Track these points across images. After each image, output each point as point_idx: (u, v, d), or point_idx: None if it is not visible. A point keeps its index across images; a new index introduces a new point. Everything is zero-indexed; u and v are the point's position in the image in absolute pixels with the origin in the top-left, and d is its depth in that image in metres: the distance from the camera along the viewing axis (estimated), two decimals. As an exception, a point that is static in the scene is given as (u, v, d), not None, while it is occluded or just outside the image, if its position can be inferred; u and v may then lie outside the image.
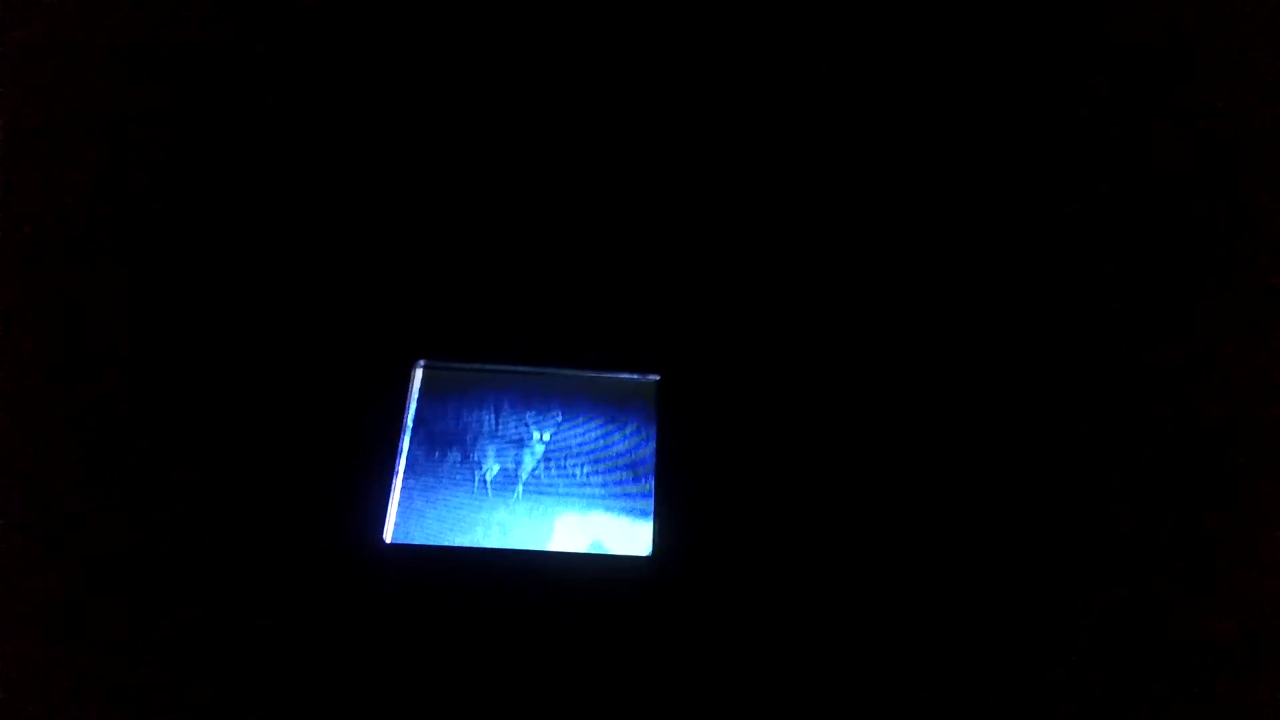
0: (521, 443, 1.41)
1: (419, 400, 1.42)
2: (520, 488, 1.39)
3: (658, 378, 1.46)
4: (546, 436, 1.42)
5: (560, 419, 1.43)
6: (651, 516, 1.37)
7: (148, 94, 1.56)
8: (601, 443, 1.42)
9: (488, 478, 1.39)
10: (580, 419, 1.44)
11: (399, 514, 1.35)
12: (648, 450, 1.42)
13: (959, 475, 1.41)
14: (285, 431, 1.37)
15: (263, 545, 1.30)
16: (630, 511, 1.38)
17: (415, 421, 1.41)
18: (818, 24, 1.69)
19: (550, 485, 1.39)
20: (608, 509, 1.38)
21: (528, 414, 1.43)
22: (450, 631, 1.28)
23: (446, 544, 1.34)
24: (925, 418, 1.45)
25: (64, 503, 1.30)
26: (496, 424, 1.42)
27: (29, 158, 1.50)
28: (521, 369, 1.46)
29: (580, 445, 1.42)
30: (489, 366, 1.46)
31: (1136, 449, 1.42)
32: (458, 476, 1.39)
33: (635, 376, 1.47)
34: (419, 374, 1.44)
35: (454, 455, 1.40)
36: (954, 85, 1.66)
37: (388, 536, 1.34)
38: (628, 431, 1.43)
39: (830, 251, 1.55)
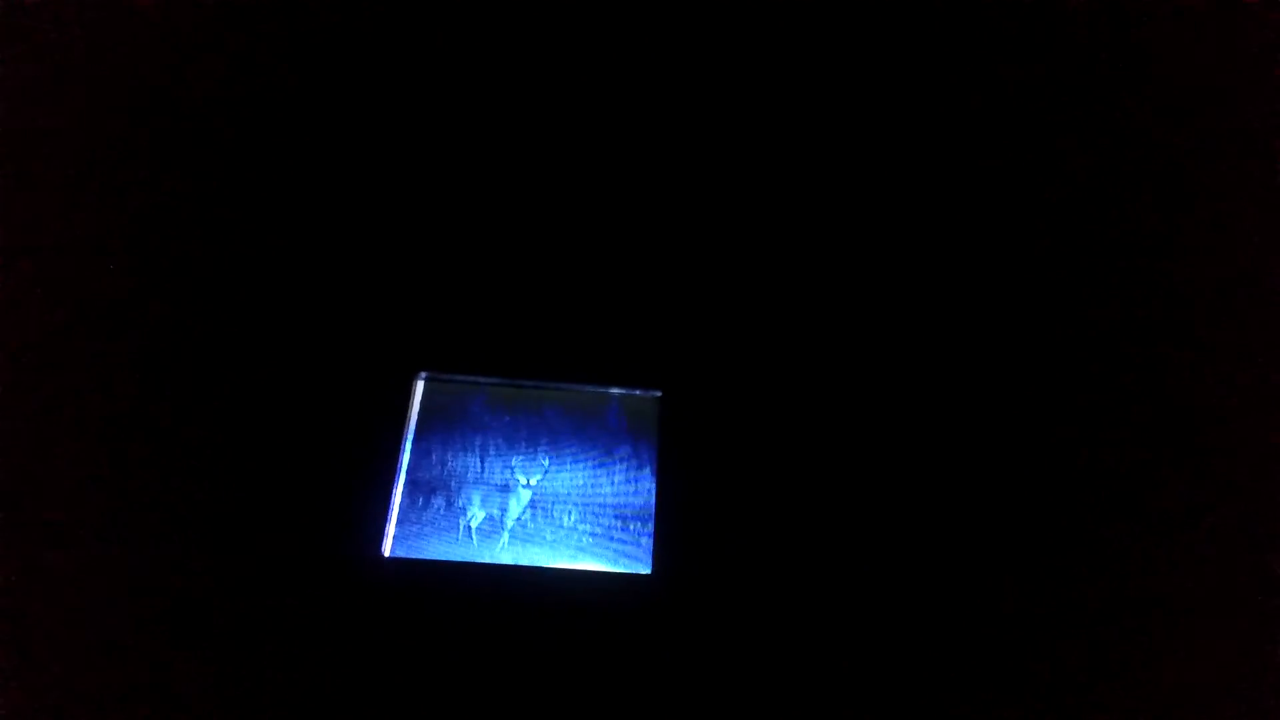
0: (507, 489, 1.38)
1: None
2: (506, 536, 1.36)
3: (659, 394, 1.44)
4: (534, 481, 1.39)
5: (547, 464, 1.40)
6: (637, 567, 1.35)
7: (153, 110, 1.51)
8: (590, 488, 1.40)
9: (473, 526, 1.36)
10: (568, 463, 1.41)
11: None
12: (636, 497, 1.39)
13: (959, 495, 1.41)
14: (287, 445, 1.35)
15: (261, 560, 1.28)
16: (618, 560, 1.36)
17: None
18: (819, 43, 1.66)
19: (537, 532, 1.36)
20: (596, 557, 1.36)
21: (514, 458, 1.40)
22: (450, 645, 1.27)
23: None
24: (929, 437, 1.44)
25: (63, 514, 1.27)
26: (482, 469, 1.39)
27: (29, 168, 1.44)
28: (523, 383, 1.43)
29: (568, 491, 1.39)
30: (490, 380, 1.43)
31: (1134, 454, 1.43)
32: (442, 524, 1.35)
33: (637, 392, 1.44)
34: (420, 386, 1.41)
35: (438, 502, 1.37)
36: (953, 94, 1.64)
37: (386, 550, 1.31)
38: (616, 477, 1.40)
39: (834, 270, 1.54)
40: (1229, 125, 1.64)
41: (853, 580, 1.36)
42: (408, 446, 1.37)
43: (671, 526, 1.37)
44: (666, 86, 1.62)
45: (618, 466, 1.41)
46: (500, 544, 1.35)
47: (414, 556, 1.33)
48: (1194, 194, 1.60)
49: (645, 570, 1.35)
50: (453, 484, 1.38)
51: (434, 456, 1.39)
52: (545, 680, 1.26)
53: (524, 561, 1.34)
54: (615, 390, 1.44)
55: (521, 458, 1.40)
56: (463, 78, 1.59)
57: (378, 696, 1.24)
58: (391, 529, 1.32)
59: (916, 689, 1.30)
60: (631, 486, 1.40)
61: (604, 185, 1.56)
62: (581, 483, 1.40)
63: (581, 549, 1.36)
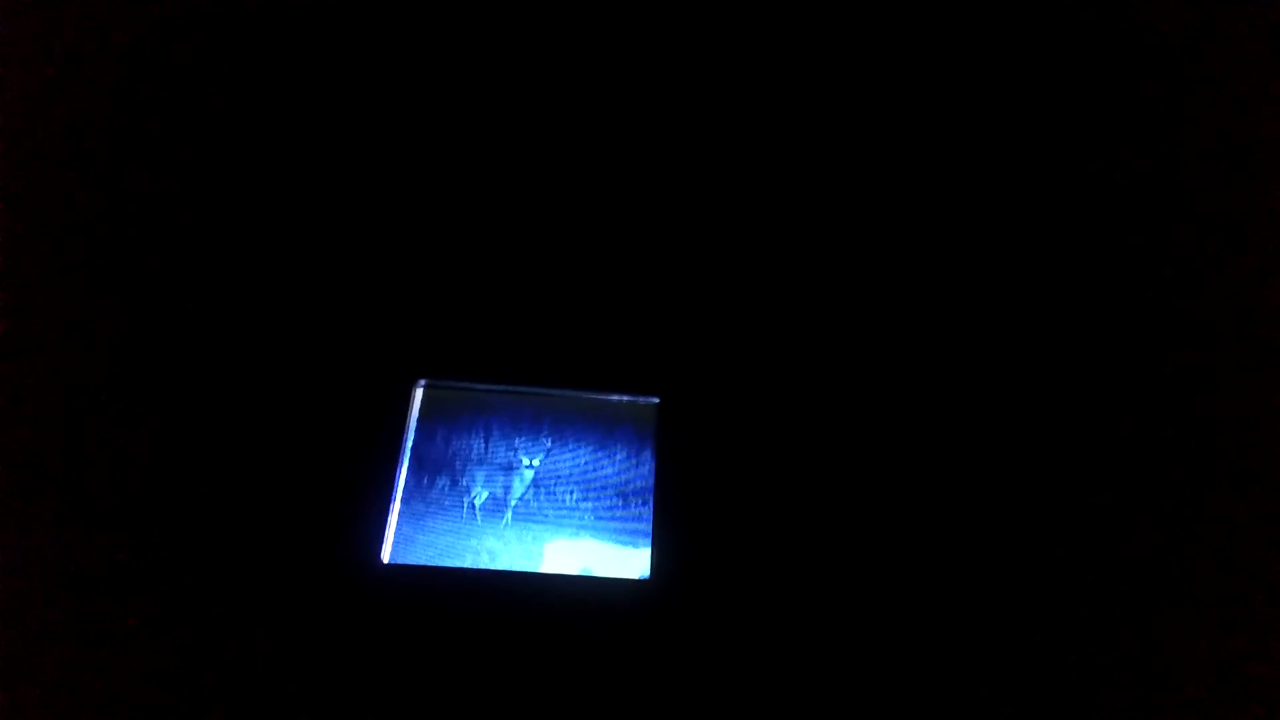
0: (510, 469, 1.41)
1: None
2: (509, 514, 1.38)
3: (657, 400, 1.47)
4: (536, 462, 1.42)
5: (549, 445, 1.43)
6: (639, 543, 1.37)
7: (147, 113, 1.56)
8: (591, 469, 1.42)
9: (477, 504, 1.39)
10: (569, 445, 1.44)
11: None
12: (637, 476, 1.42)
13: (957, 499, 1.41)
14: (284, 452, 1.37)
15: (259, 565, 1.30)
16: (619, 538, 1.38)
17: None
18: (817, 45, 1.71)
19: (539, 511, 1.39)
20: (597, 535, 1.38)
21: (517, 439, 1.43)
22: (449, 653, 1.28)
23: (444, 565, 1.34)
24: (927, 444, 1.45)
25: (61, 521, 1.29)
26: (485, 450, 1.42)
27: (25, 173, 1.50)
28: (521, 390, 1.46)
29: (570, 471, 1.42)
30: (489, 387, 1.46)
31: (1133, 459, 1.44)
32: (446, 503, 1.38)
33: (635, 399, 1.47)
34: (419, 394, 1.44)
35: (443, 481, 1.39)
36: (953, 93, 1.68)
37: (385, 557, 1.33)
38: (617, 458, 1.43)
39: (832, 275, 1.56)
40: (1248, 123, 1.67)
41: (855, 592, 1.36)
42: (407, 453, 1.40)
43: (670, 531, 1.38)
44: (662, 94, 1.67)
45: (619, 446, 1.44)
46: (504, 521, 1.38)
47: (419, 534, 1.35)
48: (1205, 192, 1.63)
49: (645, 546, 1.37)
50: (457, 464, 1.41)
51: (439, 437, 1.42)
52: (544, 687, 1.27)
53: (527, 538, 1.37)
54: (613, 397, 1.47)
55: (524, 438, 1.43)
56: (459, 85, 1.65)
57: (375, 703, 1.24)
58: (391, 536, 1.34)
59: (916, 698, 1.30)
60: (632, 465, 1.42)
61: (601, 192, 1.60)
62: (583, 463, 1.42)
63: (583, 526, 1.38)
